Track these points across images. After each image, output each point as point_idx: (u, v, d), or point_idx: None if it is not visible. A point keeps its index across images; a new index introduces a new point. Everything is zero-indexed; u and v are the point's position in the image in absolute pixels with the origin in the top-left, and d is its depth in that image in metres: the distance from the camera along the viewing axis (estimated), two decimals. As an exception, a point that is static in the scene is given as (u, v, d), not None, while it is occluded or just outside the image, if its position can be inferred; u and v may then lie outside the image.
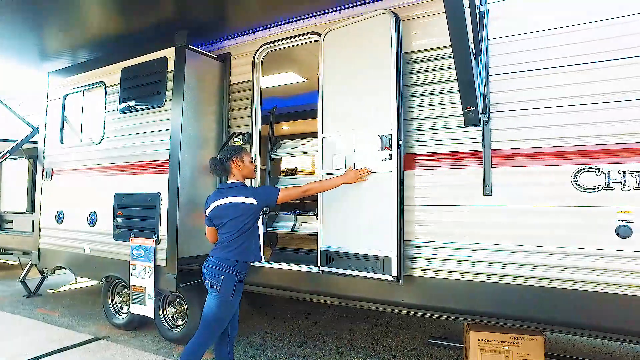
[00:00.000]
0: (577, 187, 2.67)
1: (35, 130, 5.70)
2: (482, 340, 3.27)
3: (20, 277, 6.19)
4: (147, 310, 4.04)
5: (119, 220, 4.38)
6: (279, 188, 2.99)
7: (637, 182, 2.51)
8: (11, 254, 6.51)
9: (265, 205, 2.99)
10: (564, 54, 2.73)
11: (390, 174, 3.03)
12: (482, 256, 2.91)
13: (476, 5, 2.56)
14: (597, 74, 2.64)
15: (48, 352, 3.93)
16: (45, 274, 5.72)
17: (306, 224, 4.27)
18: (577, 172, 2.67)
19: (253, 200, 2.88)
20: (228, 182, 3.06)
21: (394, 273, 2.94)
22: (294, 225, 4.35)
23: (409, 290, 3.15)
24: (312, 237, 3.87)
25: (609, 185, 2.58)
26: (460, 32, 1.79)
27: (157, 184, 4.09)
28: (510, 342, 3.22)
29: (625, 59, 2.57)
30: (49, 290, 6.55)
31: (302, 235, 4.37)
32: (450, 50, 2.97)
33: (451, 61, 3.00)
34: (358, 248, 3.18)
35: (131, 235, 4.16)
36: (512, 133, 2.86)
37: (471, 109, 2.00)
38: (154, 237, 4.01)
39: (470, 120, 2.07)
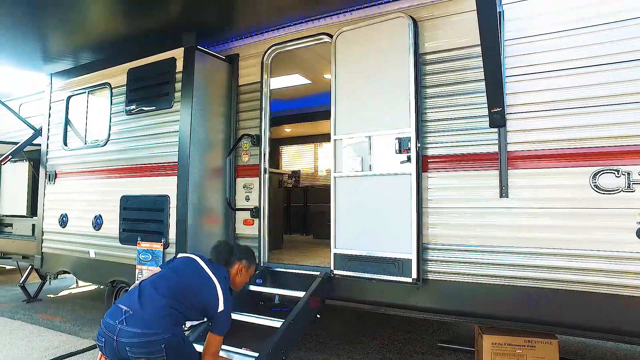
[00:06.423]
0: (596, 188, 2.65)
1: (38, 133, 5.62)
2: (495, 343, 3.24)
3: (20, 282, 6.06)
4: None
5: (126, 223, 4.32)
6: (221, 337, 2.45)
7: (658, 183, 2.50)
8: (10, 258, 6.38)
9: (210, 317, 2.41)
10: (582, 55, 2.72)
11: (409, 177, 3.01)
12: (498, 259, 2.89)
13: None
14: (616, 75, 2.63)
15: (52, 358, 3.84)
16: (47, 279, 5.61)
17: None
18: (596, 174, 2.65)
19: (221, 303, 2.36)
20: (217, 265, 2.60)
21: (414, 275, 2.92)
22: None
23: (423, 293, 3.13)
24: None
25: (629, 186, 2.57)
26: (491, 32, 1.78)
27: (165, 186, 4.03)
28: (524, 346, 3.20)
29: (645, 60, 2.57)
30: (49, 295, 6.43)
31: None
32: (464, 51, 3.05)
33: (466, 62, 3.05)
34: (375, 251, 3.15)
35: (138, 239, 4.10)
36: (529, 135, 2.84)
37: (497, 109, 1.98)
38: (162, 240, 3.95)
39: (496, 120, 2.05)
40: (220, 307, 2.36)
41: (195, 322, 2.44)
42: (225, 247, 2.72)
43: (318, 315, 3.35)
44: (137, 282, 2.47)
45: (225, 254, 2.66)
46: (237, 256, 2.69)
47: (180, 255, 2.67)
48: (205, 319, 2.43)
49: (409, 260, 2.98)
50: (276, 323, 3.04)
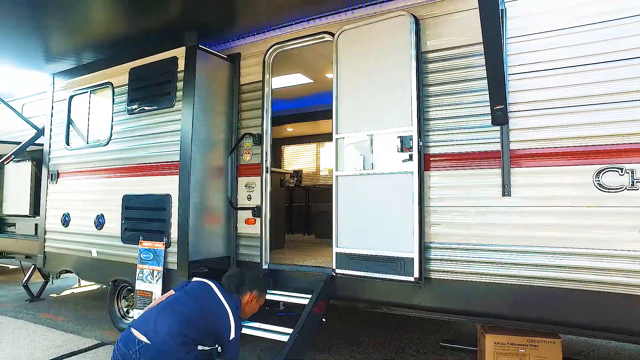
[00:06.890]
0: (599, 187, 2.63)
1: (40, 132, 5.63)
2: (498, 343, 3.23)
3: (23, 281, 6.09)
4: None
5: (128, 222, 4.32)
6: None
7: (663, 181, 2.48)
8: (13, 257, 6.41)
9: (221, 344, 2.50)
10: (584, 53, 2.70)
11: (411, 175, 3.01)
12: (500, 257, 2.88)
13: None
14: (619, 72, 2.61)
15: (55, 357, 3.85)
16: (50, 278, 5.63)
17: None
18: (600, 172, 2.63)
19: (233, 331, 2.43)
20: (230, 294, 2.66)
21: (416, 274, 2.92)
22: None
23: (425, 292, 3.11)
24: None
25: (633, 184, 2.55)
26: (493, 30, 1.76)
27: (167, 185, 4.04)
28: (527, 345, 3.17)
29: (649, 57, 2.55)
30: (51, 295, 6.45)
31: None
32: (466, 49, 3.04)
33: (468, 60, 3.04)
34: (377, 250, 3.15)
35: (140, 238, 4.10)
36: (532, 133, 2.83)
37: (500, 107, 1.97)
38: (164, 240, 3.95)
39: (498, 118, 2.03)
40: (232, 335, 2.42)
41: (206, 348, 2.47)
42: (238, 275, 2.74)
43: (324, 320, 3.34)
44: (152, 304, 2.54)
45: (237, 283, 2.69)
46: (249, 286, 2.71)
47: (194, 279, 2.71)
48: (217, 345, 2.49)
49: (411, 259, 2.97)
50: (284, 337, 3.07)
